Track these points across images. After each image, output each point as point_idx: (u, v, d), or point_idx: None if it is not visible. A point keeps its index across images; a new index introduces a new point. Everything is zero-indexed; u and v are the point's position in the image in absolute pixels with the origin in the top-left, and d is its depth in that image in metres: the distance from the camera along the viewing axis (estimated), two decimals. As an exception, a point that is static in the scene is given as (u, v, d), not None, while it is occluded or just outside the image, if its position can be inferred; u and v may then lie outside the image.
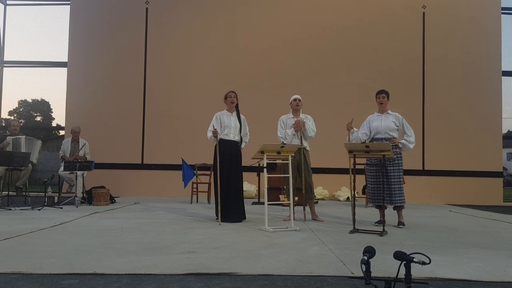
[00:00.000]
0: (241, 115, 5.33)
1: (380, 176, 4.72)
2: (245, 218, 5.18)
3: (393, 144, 4.83)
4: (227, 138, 5.16)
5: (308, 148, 5.42)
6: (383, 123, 4.97)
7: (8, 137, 7.45)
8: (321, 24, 9.66)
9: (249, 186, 8.90)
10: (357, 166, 4.50)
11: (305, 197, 5.34)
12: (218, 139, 5.08)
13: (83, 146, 7.43)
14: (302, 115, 5.44)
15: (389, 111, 5.06)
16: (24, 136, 7.56)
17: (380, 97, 5.07)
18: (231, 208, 5.02)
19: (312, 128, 5.39)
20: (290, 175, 4.73)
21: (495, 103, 9.56)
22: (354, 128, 5.06)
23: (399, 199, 4.84)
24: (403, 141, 4.94)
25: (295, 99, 5.46)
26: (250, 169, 7.38)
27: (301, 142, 5.30)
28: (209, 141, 5.19)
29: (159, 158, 9.41)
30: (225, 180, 5.07)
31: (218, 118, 5.22)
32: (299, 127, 5.26)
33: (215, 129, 5.07)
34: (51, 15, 11.17)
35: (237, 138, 5.24)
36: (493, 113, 9.52)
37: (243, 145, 5.32)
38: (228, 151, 5.13)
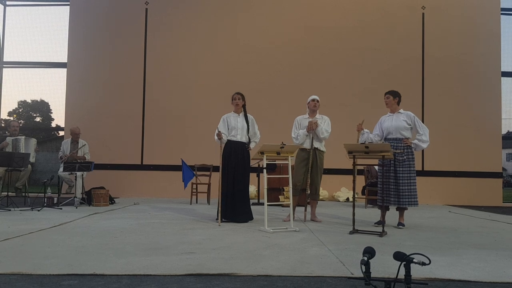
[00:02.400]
0: (249, 115, 5.34)
1: (389, 176, 4.71)
2: (252, 219, 5.19)
3: (404, 144, 4.80)
4: (235, 139, 5.19)
5: (321, 149, 5.36)
6: (394, 123, 4.90)
7: (7, 137, 7.45)
8: (320, 24, 9.65)
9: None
10: (357, 167, 4.49)
11: (310, 197, 5.33)
12: (226, 140, 5.14)
13: (82, 146, 7.42)
14: (318, 116, 5.41)
15: (401, 110, 5.00)
16: (23, 137, 7.55)
17: (384, 98, 5.05)
18: (238, 209, 5.04)
19: (326, 129, 5.32)
20: (290, 175, 4.73)
21: (494, 103, 9.56)
22: (365, 130, 5.00)
23: (408, 201, 4.78)
24: (415, 141, 4.87)
25: (313, 100, 5.41)
26: (250, 169, 7.38)
27: (312, 143, 5.28)
28: (217, 143, 5.21)
29: (158, 159, 9.40)
30: (231, 181, 5.09)
31: (224, 120, 5.27)
32: (311, 128, 5.24)
33: (219, 132, 5.10)
34: (51, 16, 11.18)
35: (244, 139, 5.25)
36: (492, 114, 9.52)
37: (252, 145, 5.32)
38: (235, 152, 5.16)
